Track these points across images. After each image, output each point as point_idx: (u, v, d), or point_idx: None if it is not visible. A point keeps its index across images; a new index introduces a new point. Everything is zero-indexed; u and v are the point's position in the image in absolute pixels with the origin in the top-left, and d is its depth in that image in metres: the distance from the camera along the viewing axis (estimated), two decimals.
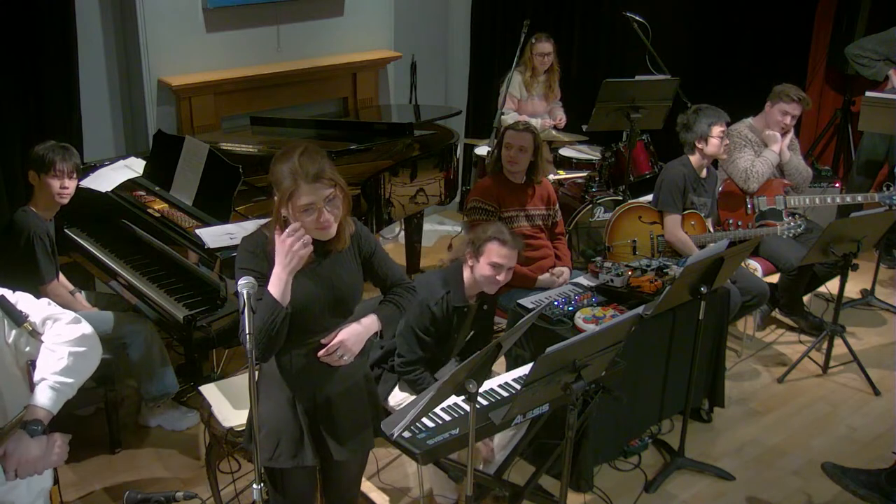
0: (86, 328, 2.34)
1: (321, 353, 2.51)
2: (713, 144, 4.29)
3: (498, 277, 3.26)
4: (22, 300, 2.29)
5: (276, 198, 2.41)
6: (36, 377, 2.23)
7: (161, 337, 3.88)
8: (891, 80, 5.63)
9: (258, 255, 2.45)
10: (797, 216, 4.44)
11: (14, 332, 2.24)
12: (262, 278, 2.40)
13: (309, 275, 2.48)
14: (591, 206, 5.17)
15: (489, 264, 3.24)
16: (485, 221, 4.07)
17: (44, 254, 3.66)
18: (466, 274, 3.33)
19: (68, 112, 4.70)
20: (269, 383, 2.58)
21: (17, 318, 2.21)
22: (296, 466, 2.59)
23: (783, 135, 4.73)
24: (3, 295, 2.21)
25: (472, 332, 3.53)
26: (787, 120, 4.68)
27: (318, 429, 2.60)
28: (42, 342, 2.26)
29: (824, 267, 4.74)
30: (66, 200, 3.74)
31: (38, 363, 2.25)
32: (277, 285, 2.38)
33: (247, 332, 2.25)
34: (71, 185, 3.72)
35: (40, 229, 3.66)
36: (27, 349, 2.27)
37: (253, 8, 5.23)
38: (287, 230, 2.37)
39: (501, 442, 3.44)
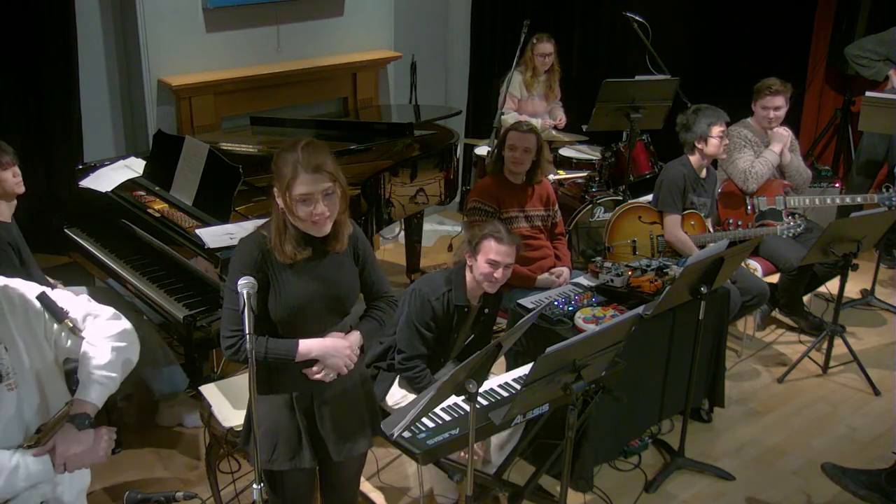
0: (126, 324, 2.38)
1: (310, 373, 2.54)
2: (713, 144, 4.28)
3: (496, 274, 3.27)
4: (61, 297, 2.31)
5: (275, 190, 2.42)
6: (81, 372, 2.27)
7: (161, 337, 3.88)
8: (891, 80, 5.63)
9: (257, 261, 2.44)
10: (797, 216, 4.44)
11: (55, 328, 2.26)
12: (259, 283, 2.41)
13: (308, 274, 2.49)
14: (591, 206, 5.16)
15: (486, 261, 3.26)
16: (484, 222, 4.07)
17: (9, 265, 3.46)
18: (468, 275, 3.34)
19: (68, 112, 4.70)
20: (266, 385, 2.57)
21: (58, 315, 2.23)
22: (293, 468, 2.59)
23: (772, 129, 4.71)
24: (44, 291, 2.23)
25: (471, 336, 3.53)
26: (771, 114, 4.65)
27: (317, 430, 2.61)
28: (82, 338, 2.29)
29: (824, 267, 4.74)
30: (23, 188, 3.61)
31: (82, 358, 2.28)
32: (306, 350, 2.48)
33: (246, 332, 2.26)
34: (18, 171, 3.59)
35: (1, 240, 3.50)
36: (67, 345, 2.30)
37: (253, 8, 5.23)
38: (353, 344, 2.56)
39: (499, 443, 3.44)
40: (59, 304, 2.25)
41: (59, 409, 2.25)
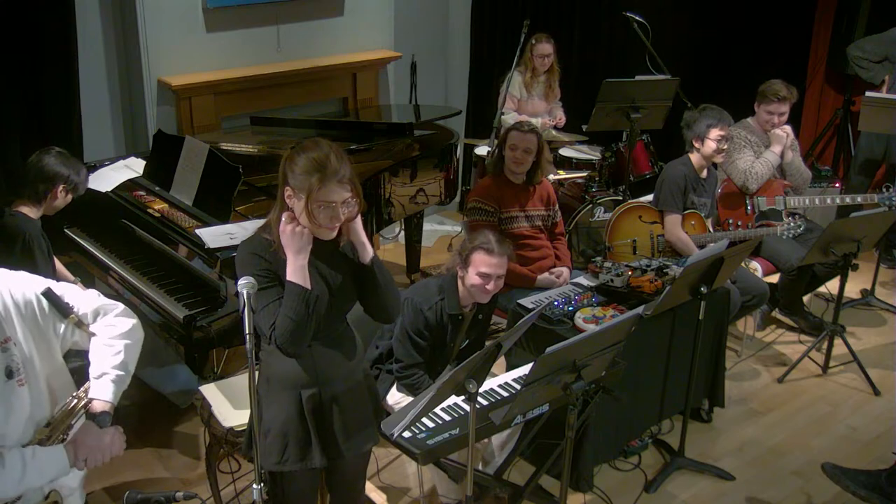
0: (134, 319, 2.42)
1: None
2: (709, 146, 4.28)
3: (487, 287, 3.24)
4: (68, 292, 2.32)
5: (288, 187, 2.40)
6: (94, 369, 2.29)
7: (162, 337, 3.89)
8: (886, 83, 5.63)
9: (264, 258, 2.44)
10: (797, 216, 4.44)
11: (62, 324, 2.28)
12: (267, 278, 2.41)
13: (310, 271, 2.48)
14: (591, 206, 5.16)
15: (477, 274, 3.23)
16: (484, 222, 4.07)
17: (41, 255, 3.59)
18: (460, 283, 3.33)
19: (68, 112, 4.69)
20: (273, 386, 2.57)
21: (64, 310, 2.25)
22: (302, 469, 2.59)
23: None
24: (49, 287, 2.24)
25: (466, 341, 3.52)
26: (775, 119, 4.66)
27: (326, 429, 2.60)
28: (91, 333, 2.32)
29: (824, 267, 4.74)
30: None
31: (95, 357, 2.31)
32: (297, 273, 2.40)
33: (246, 332, 2.25)
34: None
35: (35, 231, 3.58)
36: (73, 339, 2.33)
37: (253, 8, 5.23)
38: (283, 218, 2.40)
39: (499, 443, 3.44)
40: (66, 299, 2.27)
41: (65, 401, 2.27)
